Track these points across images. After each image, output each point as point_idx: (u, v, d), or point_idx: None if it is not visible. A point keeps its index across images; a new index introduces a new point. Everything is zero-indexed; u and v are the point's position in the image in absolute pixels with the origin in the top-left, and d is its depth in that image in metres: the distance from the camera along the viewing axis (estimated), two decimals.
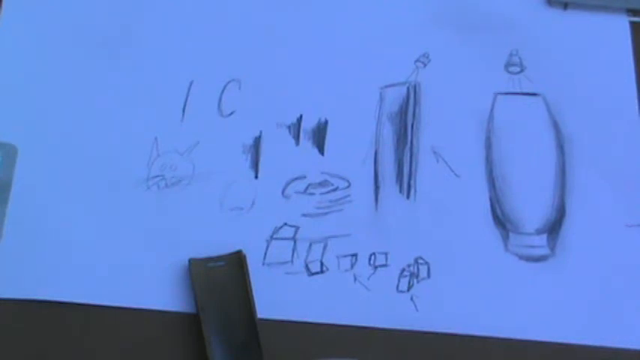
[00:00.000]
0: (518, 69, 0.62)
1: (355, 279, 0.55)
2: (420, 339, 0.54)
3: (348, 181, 0.58)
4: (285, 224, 0.56)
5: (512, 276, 0.55)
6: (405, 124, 0.60)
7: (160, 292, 0.54)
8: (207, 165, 0.58)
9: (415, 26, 0.64)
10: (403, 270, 0.55)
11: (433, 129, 0.60)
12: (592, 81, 0.62)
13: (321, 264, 0.55)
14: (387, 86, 0.61)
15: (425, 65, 0.62)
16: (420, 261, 0.56)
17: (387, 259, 0.56)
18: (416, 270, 0.55)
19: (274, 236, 0.56)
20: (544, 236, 0.57)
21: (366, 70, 0.62)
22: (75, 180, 0.57)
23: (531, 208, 0.58)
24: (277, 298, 0.54)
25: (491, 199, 0.58)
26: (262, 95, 0.61)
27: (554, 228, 0.57)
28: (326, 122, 0.60)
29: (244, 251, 0.54)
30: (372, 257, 0.56)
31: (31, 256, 0.55)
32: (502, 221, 0.57)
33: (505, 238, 0.57)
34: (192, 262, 0.54)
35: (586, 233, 0.57)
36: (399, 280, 0.55)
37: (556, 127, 0.60)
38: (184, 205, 0.57)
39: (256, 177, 0.58)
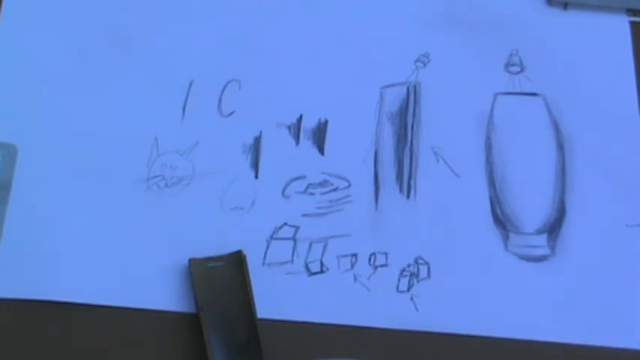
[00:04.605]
0: (518, 69, 0.62)
1: (355, 279, 0.55)
2: (420, 339, 0.54)
3: (348, 181, 0.58)
4: (285, 224, 0.56)
5: (512, 276, 0.55)
6: (405, 124, 0.60)
7: (160, 292, 0.54)
8: (207, 165, 0.58)
9: (415, 26, 0.64)
10: (403, 270, 0.55)
11: (433, 129, 0.60)
12: (592, 81, 0.62)
13: (321, 264, 0.55)
14: (387, 86, 0.61)
15: (425, 65, 0.62)
16: (420, 261, 0.56)
17: (387, 259, 0.56)
18: (416, 270, 0.55)
19: (274, 236, 0.56)
20: (544, 236, 0.57)
21: (366, 70, 0.62)
22: (75, 180, 0.57)
23: (531, 208, 0.58)
24: (277, 298, 0.54)
25: (491, 199, 0.58)
26: (262, 95, 0.61)
27: (554, 228, 0.57)
28: (326, 122, 0.60)
29: (244, 251, 0.54)
30: (372, 257, 0.56)
31: (31, 256, 0.55)
32: (502, 221, 0.57)
33: (505, 238, 0.57)
34: (192, 262, 0.54)
35: (586, 233, 0.57)
36: (399, 280, 0.55)
37: (556, 127, 0.60)
38: (184, 205, 0.57)
39: (256, 177, 0.58)
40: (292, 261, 0.55)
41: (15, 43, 0.61)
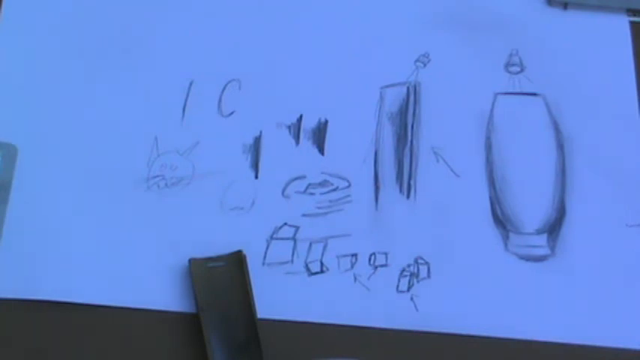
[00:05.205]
0: (518, 69, 0.62)
1: (355, 279, 0.55)
2: (420, 339, 0.54)
3: (348, 181, 0.58)
4: (285, 224, 0.56)
5: (512, 276, 0.55)
6: (405, 124, 0.60)
7: (160, 292, 0.54)
8: (207, 165, 0.58)
9: (415, 26, 0.64)
10: (403, 270, 0.55)
11: (433, 129, 0.60)
12: (592, 81, 0.62)
13: (321, 264, 0.55)
14: (387, 86, 0.61)
15: (425, 65, 0.62)
16: (420, 261, 0.56)
17: (387, 259, 0.56)
18: (416, 270, 0.55)
19: (274, 236, 0.56)
20: (544, 236, 0.57)
21: (366, 70, 0.62)
22: (75, 180, 0.57)
23: (531, 208, 0.58)
24: (277, 298, 0.54)
25: (491, 199, 0.58)
26: (262, 95, 0.61)
27: (554, 228, 0.57)
28: (326, 122, 0.60)
29: (244, 251, 0.54)
30: (372, 257, 0.56)
31: (31, 256, 0.55)
32: (502, 221, 0.57)
33: (505, 238, 0.57)
34: (192, 262, 0.54)
35: (586, 233, 0.57)
36: (399, 280, 0.55)
37: (556, 127, 0.60)
38: (184, 205, 0.57)
39: (256, 177, 0.58)
40: (292, 261, 0.55)
41: (15, 43, 0.61)
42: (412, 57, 0.63)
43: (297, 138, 0.59)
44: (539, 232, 0.57)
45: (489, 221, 0.57)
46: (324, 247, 0.56)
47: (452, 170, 0.59)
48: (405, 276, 0.55)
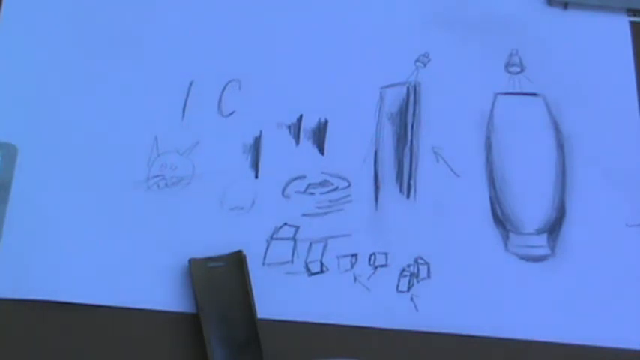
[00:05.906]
0: (518, 69, 0.62)
1: (355, 279, 0.55)
2: (420, 339, 0.54)
3: (348, 181, 0.58)
4: (285, 224, 0.56)
5: (512, 276, 0.55)
6: (405, 124, 0.60)
7: (160, 292, 0.54)
8: (207, 165, 0.58)
9: (415, 26, 0.64)
10: (403, 270, 0.55)
11: (433, 129, 0.60)
12: (592, 81, 0.62)
13: (321, 264, 0.55)
14: (387, 86, 0.61)
15: (425, 65, 0.62)
16: (420, 261, 0.56)
17: (387, 259, 0.56)
18: (416, 270, 0.55)
19: (274, 236, 0.56)
20: (544, 236, 0.57)
21: (366, 70, 0.62)
22: (75, 180, 0.57)
23: (531, 208, 0.58)
24: (277, 298, 0.54)
25: (491, 199, 0.58)
26: (262, 95, 0.61)
27: (554, 228, 0.57)
28: (326, 122, 0.60)
29: (244, 251, 0.54)
30: (372, 257, 0.56)
31: (31, 256, 0.55)
32: (502, 221, 0.57)
33: (505, 238, 0.57)
34: (192, 262, 0.54)
35: (586, 233, 0.57)
36: (399, 280, 0.55)
37: (556, 126, 0.60)
38: (184, 205, 0.57)
39: (256, 177, 0.58)
40: (292, 261, 0.55)
41: (15, 43, 0.61)
42: (412, 57, 0.63)
43: (297, 138, 0.59)
44: (539, 232, 0.57)
45: (489, 221, 0.57)
46: (324, 247, 0.56)
47: (452, 170, 0.59)
48: (405, 276, 0.55)
